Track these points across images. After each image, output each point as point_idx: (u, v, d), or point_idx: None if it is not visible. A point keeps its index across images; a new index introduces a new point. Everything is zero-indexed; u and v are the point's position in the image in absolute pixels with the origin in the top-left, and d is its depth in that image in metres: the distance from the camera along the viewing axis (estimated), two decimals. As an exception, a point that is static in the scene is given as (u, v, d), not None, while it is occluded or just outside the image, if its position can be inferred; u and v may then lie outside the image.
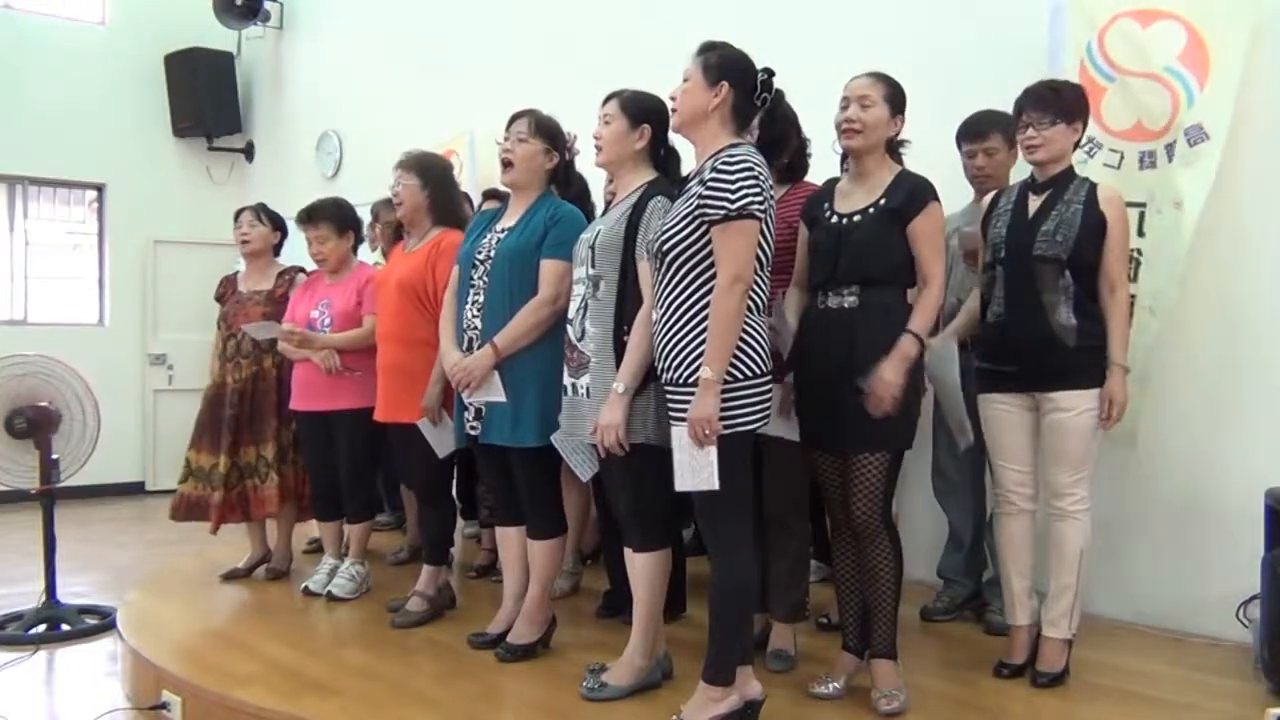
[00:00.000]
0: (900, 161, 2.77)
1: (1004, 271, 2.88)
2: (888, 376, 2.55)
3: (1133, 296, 3.01)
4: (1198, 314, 3.38)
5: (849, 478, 2.68)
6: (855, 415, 2.61)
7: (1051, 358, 2.81)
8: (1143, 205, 3.32)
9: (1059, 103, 2.83)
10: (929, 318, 2.64)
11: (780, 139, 2.69)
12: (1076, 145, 2.93)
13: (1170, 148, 3.34)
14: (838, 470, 2.74)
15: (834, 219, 2.73)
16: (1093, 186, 2.85)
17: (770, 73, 2.54)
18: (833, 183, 2.85)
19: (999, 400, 2.93)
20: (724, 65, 2.50)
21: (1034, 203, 2.89)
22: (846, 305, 2.65)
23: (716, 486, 2.38)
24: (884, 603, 2.70)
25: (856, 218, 2.69)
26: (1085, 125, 2.90)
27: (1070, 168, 2.90)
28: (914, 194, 2.64)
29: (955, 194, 3.40)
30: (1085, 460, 2.84)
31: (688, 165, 2.82)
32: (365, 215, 4.57)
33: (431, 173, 3.61)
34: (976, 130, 3.41)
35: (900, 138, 2.76)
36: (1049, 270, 2.80)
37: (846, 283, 2.66)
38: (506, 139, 3.14)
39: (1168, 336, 3.35)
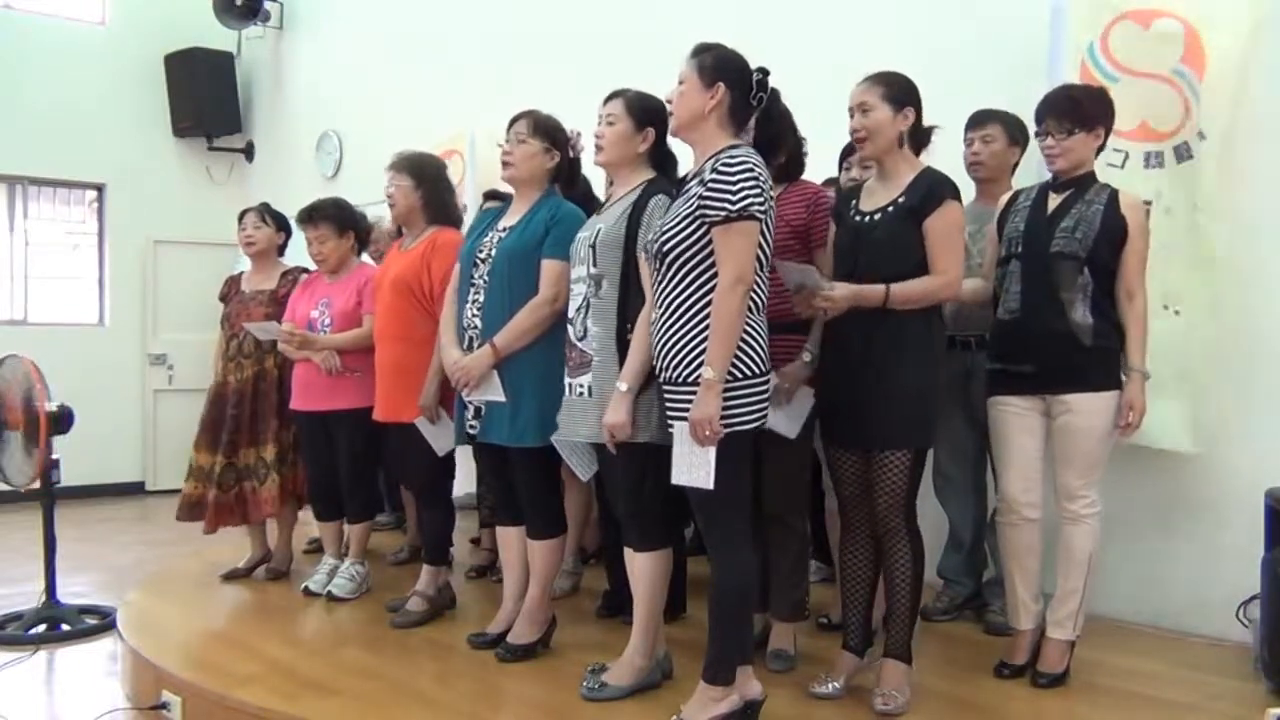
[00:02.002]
0: (917, 151, 2.75)
1: (1020, 267, 2.87)
2: (837, 293, 2.56)
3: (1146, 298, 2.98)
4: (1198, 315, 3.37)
5: (873, 477, 2.68)
6: (877, 413, 2.62)
7: (1066, 357, 2.79)
8: (1148, 203, 3.31)
9: (1077, 111, 2.82)
10: (913, 291, 2.60)
11: (776, 138, 2.69)
12: (1101, 149, 2.92)
13: (1180, 149, 3.33)
14: (858, 468, 2.73)
15: (856, 217, 2.74)
16: (1114, 192, 2.85)
17: (765, 72, 2.53)
18: (834, 182, 2.85)
19: (1010, 402, 2.91)
20: (719, 66, 2.50)
21: (1053, 201, 2.89)
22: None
23: (711, 485, 2.38)
24: (901, 603, 2.70)
25: (877, 216, 2.69)
26: (1109, 130, 2.88)
27: (1092, 172, 2.90)
28: (931, 191, 2.63)
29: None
30: (1097, 464, 2.84)
31: (685, 165, 2.82)
32: (371, 215, 4.57)
33: (425, 173, 3.61)
34: (977, 119, 3.43)
35: (927, 126, 2.72)
36: (1067, 267, 2.80)
37: (866, 280, 2.64)
38: (507, 140, 3.14)
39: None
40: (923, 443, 2.69)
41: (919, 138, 2.72)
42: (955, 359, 3.42)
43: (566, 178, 3.24)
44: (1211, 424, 3.36)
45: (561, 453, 2.92)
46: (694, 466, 2.39)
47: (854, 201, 2.78)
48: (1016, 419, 2.90)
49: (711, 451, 2.37)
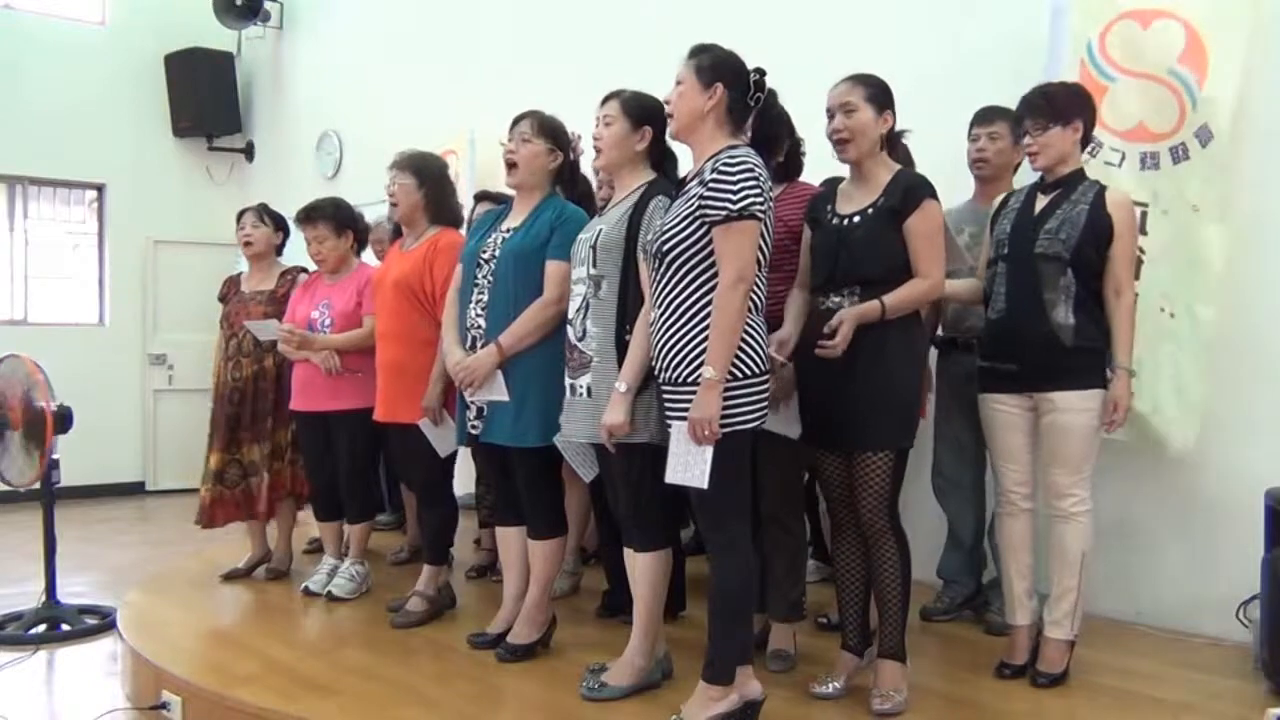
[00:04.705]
0: (903, 155, 2.75)
1: (1006, 268, 2.88)
2: (844, 330, 2.54)
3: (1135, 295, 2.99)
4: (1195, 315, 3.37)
5: (855, 478, 2.68)
6: (858, 414, 2.62)
7: (1050, 356, 2.81)
8: (1145, 205, 3.32)
9: (1050, 106, 2.84)
10: (906, 299, 2.60)
11: (773, 138, 2.69)
12: (1085, 144, 2.93)
13: (1176, 150, 3.33)
14: (841, 469, 2.74)
15: (834, 220, 2.73)
16: (1101, 189, 2.85)
17: (762, 72, 2.53)
18: (835, 182, 2.84)
19: (998, 400, 2.93)
20: (717, 67, 2.50)
21: (1041, 202, 2.90)
22: (847, 306, 2.64)
23: (706, 485, 2.38)
24: (891, 603, 2.70)
25: (856, 218, 2.69)
26: (1088, 123, 2.89)
27: (1080, 170, 2.90)
28: (910, 192, 2.63)
29: (956, 193, 3.40)
30: (1084, 461, 2.84)
31: (684, 164, 2.82)
32: (371, 215, 4.57)
33: (427, 172, 3.61)
34: (983, 115, 3.45)
35: (899, 129, 2.73)
36: (1050, 268, 2.81)
37: (846, 284, 2.65)
38: (510, 140, 3.14)
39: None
40: (903, 443, 2.68)
41: (892, 141, 2.72)
42: (956, 360, 3.44)
43: (568, 179, 3.24)
44: (1210, 424, 3.36)
45: (564, 454, 2.92)
46: (690, 466, 2.39)
47: (830, 205, 2.77)
48: (1006, 416, 2.92)
49: (708, 451, 2.37)
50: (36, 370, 4.24)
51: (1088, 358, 2.82)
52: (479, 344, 3.10)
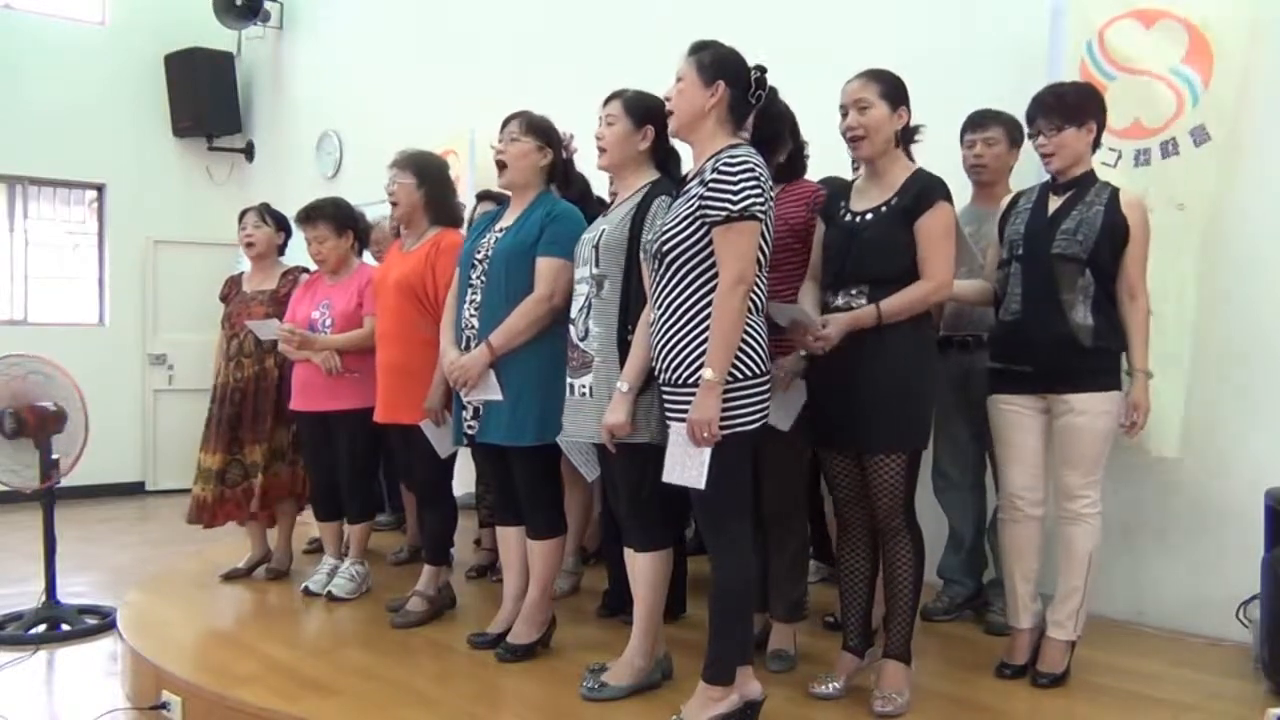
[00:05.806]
0: (909, 154, 2.74)
1: (1021, 269, 2.86)
2: (830, 331, 2.55)
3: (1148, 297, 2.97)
4: (1199, 314, 3.37)
5: (869, 481, 2.67)
6: (868, 417, 2.60)
7: (1067, 358, 2.79)
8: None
9: (1064, 107, 2.82)
10: (904, 303, 2.58)
11: (774, 137, 2.67)
12: (1096, 145, 2.91)
13: (1166, 145, 3.33)
14: (851, 469, 2.73)
15: (847, 217, 2.72)
16: (1115, 191, 2.84)
17: (763, 70, 2.52)
18: (835, 181, 2.83)
19: (1010, 401, 2.91)
20: (719, 64, 2.49)
21: (1054, 202, 2.88)
22: (854, 306, 2.63)
23: (703, 485, 2.37)
24: (902, 603, 2.70)
25: (868, 217, 2.67)
26: (1100, 124, 2.87)
27: (1091, 171, 2.89)
28: (922, 193, 2.61)
29: (955, 194, 3.39)
30: (1097, 463, 2.84)
31: (686, 164, 2.81)
32: (371, 215, 4.57)
33: (428, 172, 3.60)
34: (978, 121, 3.43)
35: (913, 125, 2.71)
36: (1068, 269, 2.79)
37: (855, 282, 2.64)
38: (500, 141, 3.15)
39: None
40: (916, 443, 2.68)
41: (907, 137, 2.71)
42: (953, 359, 3.43)
43: (561, 178, 3.23)
44: (1210, 424, 3.36)
45: (567, 453, 2.92)
46: (687, 467, 2.39)
47: (843, 202, 2.76)
48: (1017, 418, 2.90)
49: (706, 452, 2.37)
50: (66, 374, 4.24)
51: (1104, 359, 2.81)
52: (473, 344, 3.10)
